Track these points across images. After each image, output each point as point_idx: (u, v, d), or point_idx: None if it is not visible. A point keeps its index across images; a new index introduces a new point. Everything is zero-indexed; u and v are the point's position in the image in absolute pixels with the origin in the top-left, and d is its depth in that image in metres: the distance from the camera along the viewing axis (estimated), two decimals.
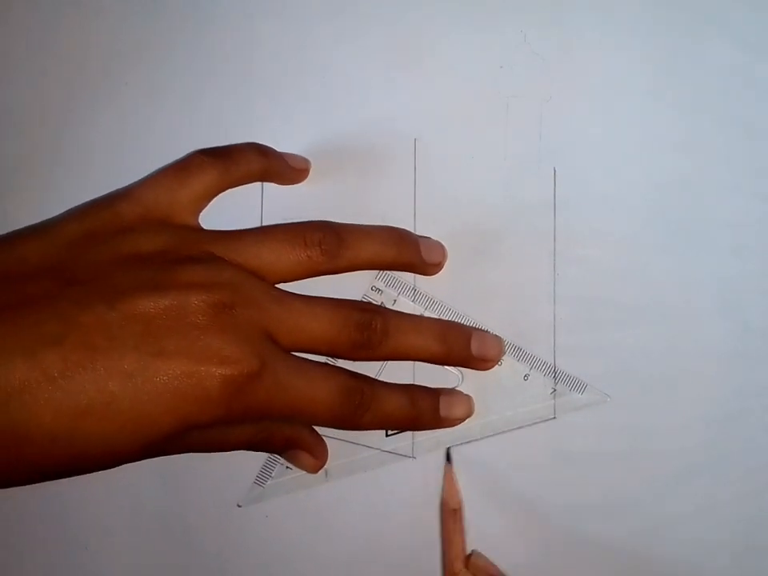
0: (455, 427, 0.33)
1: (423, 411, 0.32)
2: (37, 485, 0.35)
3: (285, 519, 0.35)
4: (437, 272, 0.34)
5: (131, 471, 0.35)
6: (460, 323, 0.34)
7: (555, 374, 0.34)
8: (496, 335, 0.33)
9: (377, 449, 0.34)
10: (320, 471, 0.34)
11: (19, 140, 0.36)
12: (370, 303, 0.34)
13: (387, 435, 0.34)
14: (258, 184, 0.35)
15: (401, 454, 0.34)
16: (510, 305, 0.34)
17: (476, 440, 0.34)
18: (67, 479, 0.35)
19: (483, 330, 0.33)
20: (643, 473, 0.33)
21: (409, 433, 0.34)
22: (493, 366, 0.33)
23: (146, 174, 0.31)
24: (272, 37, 0.36)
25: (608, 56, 0.34)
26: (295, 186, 0.35)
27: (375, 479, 0.34)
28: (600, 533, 0.33)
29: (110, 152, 0.36)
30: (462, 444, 0.34)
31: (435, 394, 0.33)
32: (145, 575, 0.35)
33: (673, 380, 0.33)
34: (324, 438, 0.33)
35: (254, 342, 0.28)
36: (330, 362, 0.32)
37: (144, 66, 0.36)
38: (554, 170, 0.34)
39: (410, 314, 0.33)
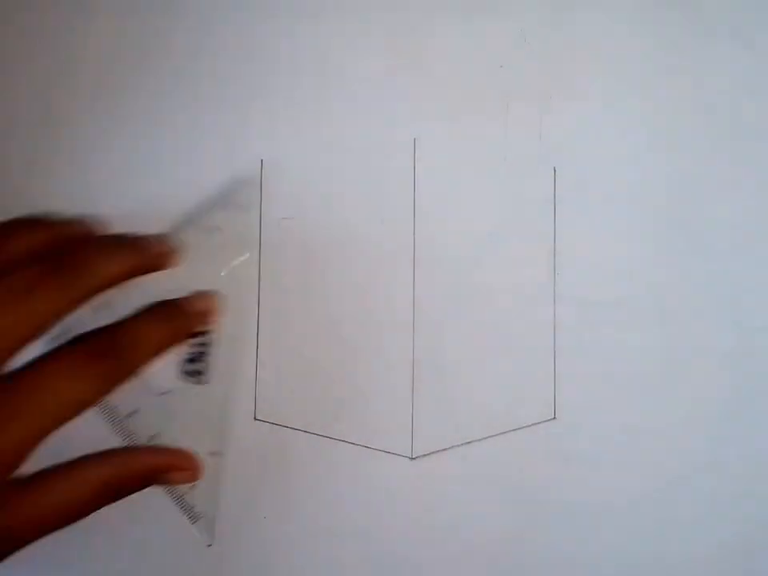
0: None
1: (177, 317, 0.30)
2: None
3: (284, 519, 0.34)
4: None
5: None
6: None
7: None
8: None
9: (374, 448, 0.34)
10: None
11: (19, 139, 0.36)
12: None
13: None
14: (255, 182, 0.35)
15: (399, 454, 0.34)
16: (510, 305, 0.34)
17: (477, 440, 0.34)
18: None
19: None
20: (643, 473, 0.33)
21: (408, 432, 0.34)
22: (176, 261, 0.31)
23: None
24: (272, 37, 0.36)
25: (608, 56, 0.34)
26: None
27: (374, 479, 0.34)
28: (600, 533, 0.33)
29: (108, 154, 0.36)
30: (462, 445, 0.34)
31: (176, 301, 0.31)
32: (144, 575, 0.35)
33: (673, 380, 0.33)
34: (317, 435, 0.33)
35: None
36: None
37: (144, 69, 0.36)
38: (554, 170, 0.34)
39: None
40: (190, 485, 0.32)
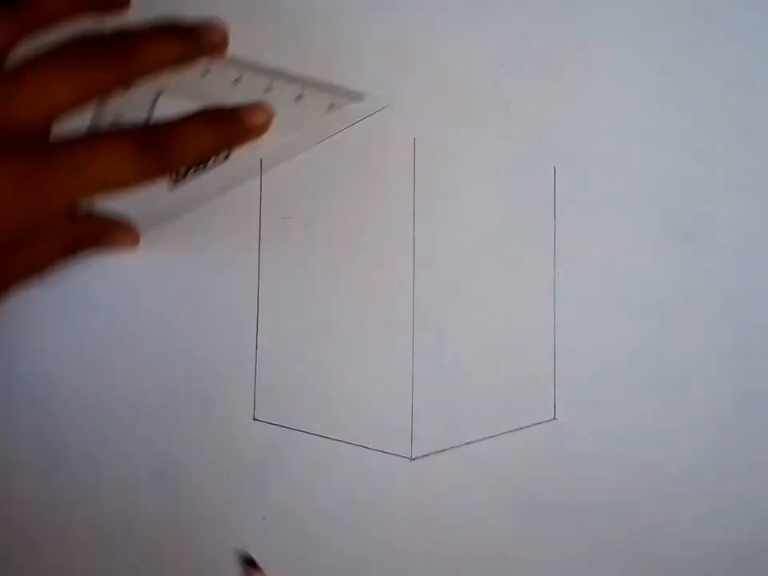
0: None
1: (226, 126, 0.31)
2: (38, 487, 0.35)
3: (283, 520, 0.34)
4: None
5: (127, 472, 0.35)
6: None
7: (331, 89, 0.33)
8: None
9: (374, 449, 0.34)
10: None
11: None
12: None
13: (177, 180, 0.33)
14: (255, 182, 0.35)
15: (398, 455, 0.34)
16: (510, 305, 0.34)
17: (477, 441, 0.34)
18: (65, 481, 0.35)
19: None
20: (643, 473, 0.33)
21: (407, 432, 0.34)
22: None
23: None
24: (271, 37, 0.35)
25: (608, 56, 0.34)
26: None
27: (374, 480, 0.34)
28: (600, 533, 0.33)
29: None
30: (462, 445, 0.34)
31: (231, 108, 0.32)
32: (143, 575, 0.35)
33: (673, 380, 0.33)
34: (317, 435, 0.33)
35: None
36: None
37: None
38: (554, 170, 0.34)
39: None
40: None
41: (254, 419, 0.35)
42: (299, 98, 0.33)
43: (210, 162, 0.33)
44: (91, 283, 0.36)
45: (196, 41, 0.32)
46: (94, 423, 0.35)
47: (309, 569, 0.35)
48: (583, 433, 0.33)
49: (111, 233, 0.34)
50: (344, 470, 0.34)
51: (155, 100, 0.33)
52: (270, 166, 0.34)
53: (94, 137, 0.30)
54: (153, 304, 0.35)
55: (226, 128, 0.32)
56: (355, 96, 0.33)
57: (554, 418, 0.33)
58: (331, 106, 0.33)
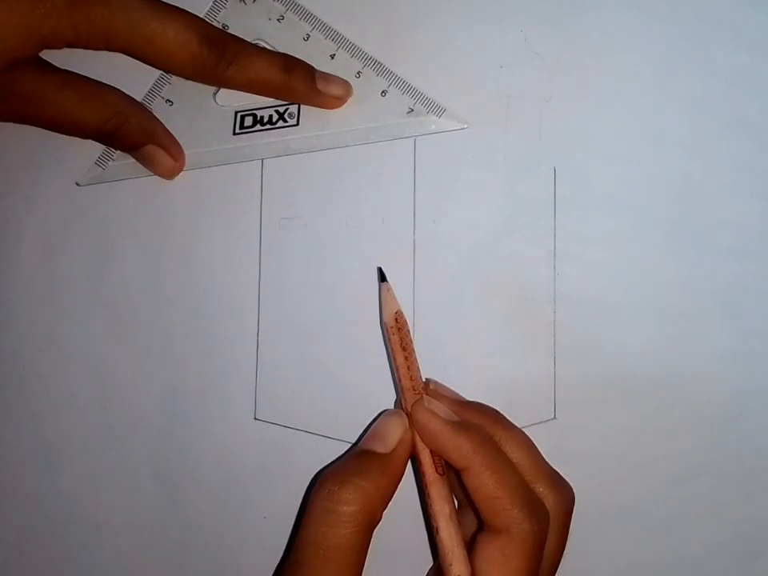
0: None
1: (297, 79, 0.34)
2: (34, 485, 0.35)
3: (284, 519, 0.34)
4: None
5: (128, 471, 0.35)
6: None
7: (414, 94, 0.34)
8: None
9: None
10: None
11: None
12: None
13: None
14: (255, 182, 0.35)
15: None
16: (510, 305, 0.34)
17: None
18: (65, 481, 0.35)
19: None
20: (643, 473, 0.33)
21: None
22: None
23: None
24: (271, 37, 0.35)
25: (608, 56, 0.34)
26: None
27: None
28: (600, 533, 0.33)
29: None
30: None
31: (310, 66, 0.34)
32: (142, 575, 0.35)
33: (673, 380, 0.33)
34: (317, 435, 0.33)
35: None
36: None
37: None
38: (554, 170, 0.34)
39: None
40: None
41: (255, 419, 0.35)
42: (384, 93, 0.34)
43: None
44: (91, 283, 0.36)
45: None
46: (94, 423, 0.35)
47: None
48: (583, 432, 0.33)
49: (163, 143, 0.34)
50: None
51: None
52: (332, 145, 0.35)
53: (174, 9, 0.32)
54: (153, 303, 0.35)
55: (295, 79, 0.34)
56: (437, 109, 0.34)
57: (554, 417, 0.33)
58: (411, 111, 0.34)
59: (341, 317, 0.35)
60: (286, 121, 0.35)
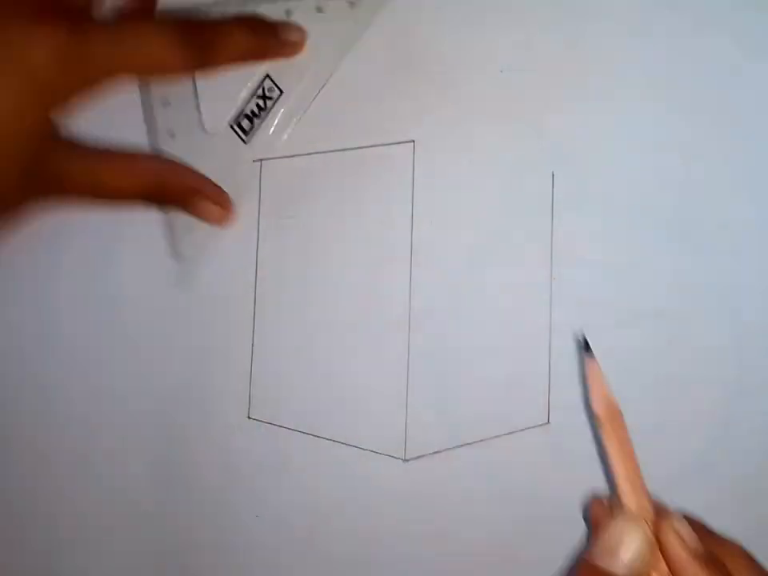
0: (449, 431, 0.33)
1: (266, 37, 0.34)
2: (34, 486, 0.35)
3: (276, 518, 0.34)
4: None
5: (127, 473, 0.35)
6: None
7: None
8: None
9: (367, 450, 0.34)
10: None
11: None
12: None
13: None
14: (253, 182, 0.35)
15: (392, 456, 0.34)
16: (508, 306, 0.34)
17: (470, 443, 0.33)
18: (59, 480, 0.35)
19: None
20: (642, 473, 0.33)
21: (401, 434, 0.34)
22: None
23: None
24: None
25: (608, 57, 0.34)
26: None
27: (367, 481, 0.34)
28: None
29: None
30: (455, 447, 0.34)
31: (270, 22, 0.34)
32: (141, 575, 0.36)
33: (673, 380, 0.33)
34: (311, 435, 0.33)
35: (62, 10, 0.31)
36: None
37: None
38: (553, 173, 0.34)
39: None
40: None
41: (249, 418, 0.35)
42: (319, 9, 0.35)
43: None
44: (90, 283, 0.36)
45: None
46: (89, 423, 0.36)
47: (303, 569, 0.35)
48: (577, 437, 0.33)
49: (208, 194, 0.34)
50: (337, 470, 0.34)
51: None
52: (321, 82, 0.35)
53: (143, 20, 0.33)
54: (149, 303, 0.36)
55: (265, 38, 0.34)
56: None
57: (548, 422, 0.33)
58: (352, 4, 0.35)
59: (336, 317, 0.35)
60: (271, 97, 0.35)
